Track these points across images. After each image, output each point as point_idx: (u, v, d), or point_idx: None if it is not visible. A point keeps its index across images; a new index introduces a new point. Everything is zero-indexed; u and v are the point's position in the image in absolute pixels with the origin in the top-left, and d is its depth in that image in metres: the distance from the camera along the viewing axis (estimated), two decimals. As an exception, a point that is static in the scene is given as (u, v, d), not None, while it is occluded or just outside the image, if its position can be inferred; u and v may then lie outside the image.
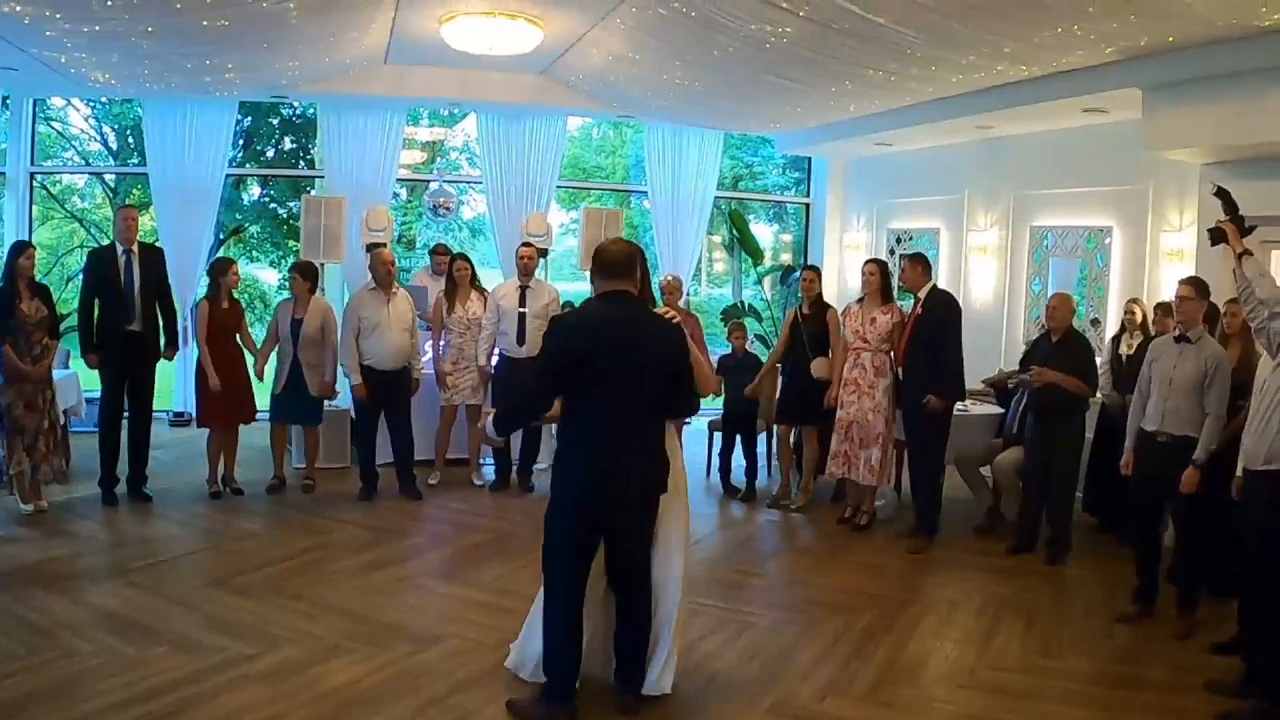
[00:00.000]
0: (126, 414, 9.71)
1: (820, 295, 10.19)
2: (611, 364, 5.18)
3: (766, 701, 5.77)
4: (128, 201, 18.96)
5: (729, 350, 10.85)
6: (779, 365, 10.40)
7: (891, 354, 9.18)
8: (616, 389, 5.21)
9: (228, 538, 8.72)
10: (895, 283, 9.75)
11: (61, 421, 9.58)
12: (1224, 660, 6.38)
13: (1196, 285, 6.98)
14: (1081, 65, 9.04)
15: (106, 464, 9.58)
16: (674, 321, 5.52)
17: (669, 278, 11.22)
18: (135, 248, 9.53)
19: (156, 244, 10.76)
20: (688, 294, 14.06)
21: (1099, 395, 8.92)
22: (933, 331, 8.75)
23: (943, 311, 8.87)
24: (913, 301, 9.07)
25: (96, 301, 9.44)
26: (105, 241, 10.06)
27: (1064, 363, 8.40)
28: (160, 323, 9.71)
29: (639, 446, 5.33)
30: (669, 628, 5.67)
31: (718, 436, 11.07)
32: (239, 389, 9.82)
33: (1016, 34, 8.24)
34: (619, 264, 5.35)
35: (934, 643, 6.78)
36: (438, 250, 12.24)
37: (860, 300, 9.42)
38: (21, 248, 8.99)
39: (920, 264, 9.04)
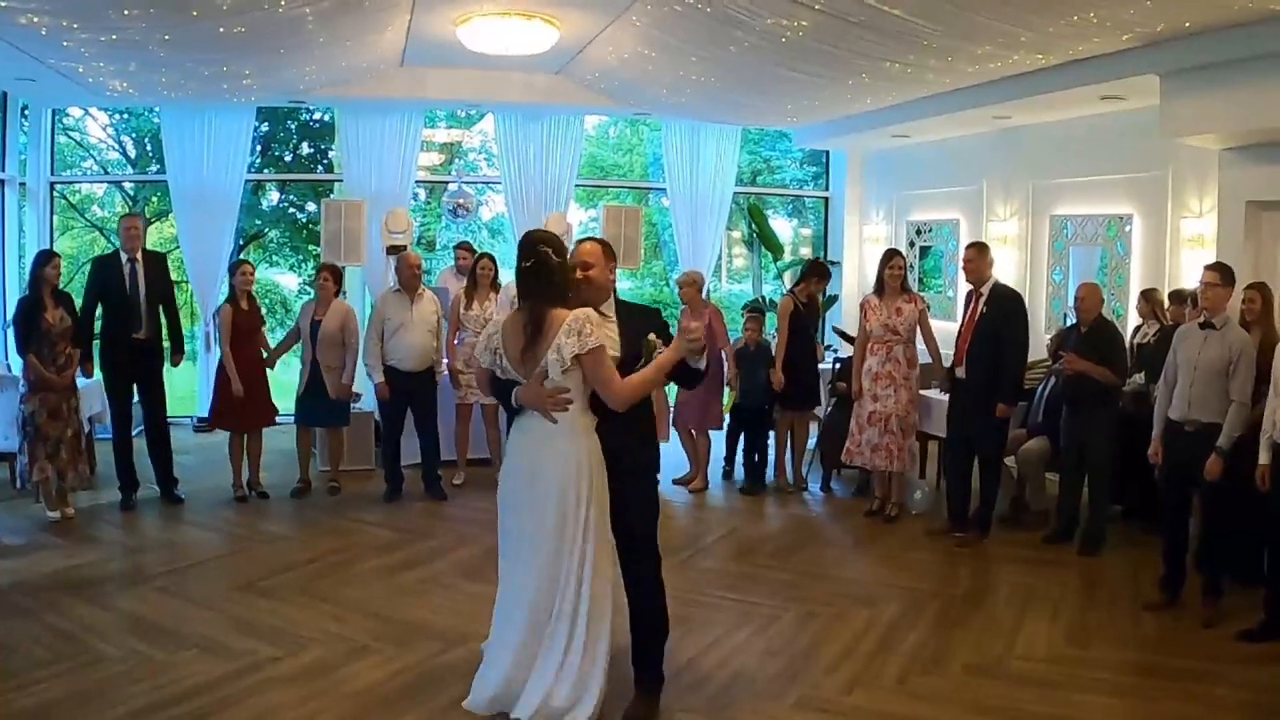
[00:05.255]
0: (142, 422, 9.79)
1: None
2: None
3: (793, 695, 5.77)
4: (144, 209, 19.07)
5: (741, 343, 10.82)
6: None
7: (919, 344, 9.16)
8: None
9: (253, 541, 8.76)
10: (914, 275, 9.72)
11: (86, 429, 9.63)
12: (1251, 648, 6.39)
13: (1222, 271, 6.97)
14: (1098, 53, 9.01)
15: (121, 470, 9.62)
16: None
17: (686, 273, 11.19)
18: (140, 255, 9.55)
19: (163, 251, 10.79)
20: (708, 289, 14.05)
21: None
22: (999, 330, 8.57)
23: (1011, 309, 8.68)
24: (972, 296, 8.90)
25: (100, 309, 9.48)
26: (114, 249, 10.05)
27: (1093, 352, 8.36)
28: (166, 330, 9.73)
29: None
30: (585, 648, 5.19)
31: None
32: (257, 393, 9.85)
33: (1032, 23, 8.21)
34: None
35: (961, 634, 6.76)
36: (462, 247, 12.16)
37: (878, 292, 9.37)
38: (47, 257, 9.05)
39: (987, 254, 8.87)
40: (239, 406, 9.74)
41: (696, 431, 10.56)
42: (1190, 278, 9.45)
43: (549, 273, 5.07)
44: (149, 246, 9.81)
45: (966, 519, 8.94)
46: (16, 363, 9.66)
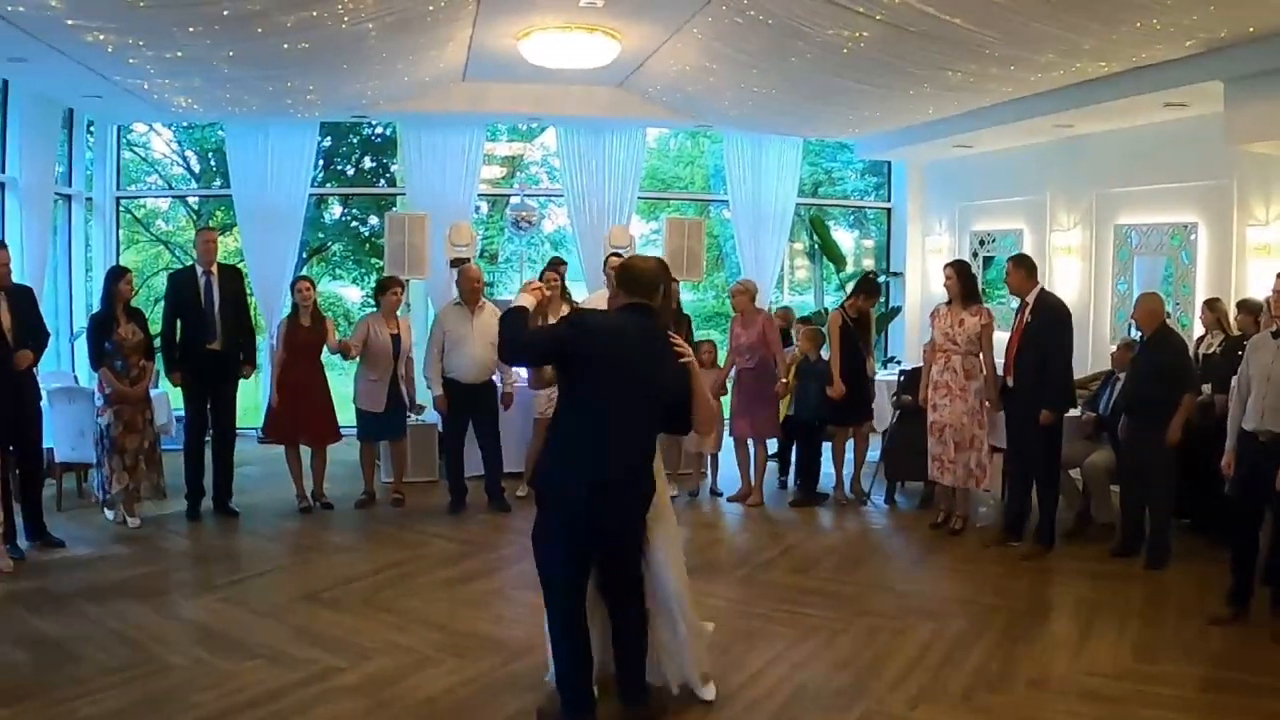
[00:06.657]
0: (210, 431, 9.89)
1: None
2: (618, 371, 5.14)
3: (857, 710, 5.72)
4: (208, 223, 19.25)
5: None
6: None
7: (980, 356, 9.08)
8: (618, 397, 5.15)
9: (318, 552, 8.83)
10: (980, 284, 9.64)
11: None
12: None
13: (1295, 279, 6.86)
14: (1161, 59, 8.92)
15: (190, 479, 9.75)
16: (684, 358, 5.43)
17: (738, 282, 11.14)
18: (215, 269, 9.69)
19: (237, 265, 10.93)
20: (770, 301, 14.01)
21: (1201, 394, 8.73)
22: (1043, 339, 8.52)
23: (1053, 318, 8.62)
24: (1020, 306, 8.85)
25: (179, 322, 9.62)
26: (189, 263, 10.22)
27: (1156, 362, 8.25)
28: (240, 341, 9.87)
29: (634, 459, 5.26)
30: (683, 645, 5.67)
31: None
32: (313, 409, 9.90)
33: (1094, 30, 8.15)
34: (648, 281, 5.35)
35: (1026, 648, 6.68)
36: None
37: (948, 303, 9.32)
38: (120, 273, 9.23)
39: (1024, 267, 8.80)
40: (289, 419, 9.83)
41: (752, 441, 10.47)
42: (1257, 287, 9.33)
43: None
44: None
45: (1021, 529, 8.86)
46: (85, 374, 9.78)
